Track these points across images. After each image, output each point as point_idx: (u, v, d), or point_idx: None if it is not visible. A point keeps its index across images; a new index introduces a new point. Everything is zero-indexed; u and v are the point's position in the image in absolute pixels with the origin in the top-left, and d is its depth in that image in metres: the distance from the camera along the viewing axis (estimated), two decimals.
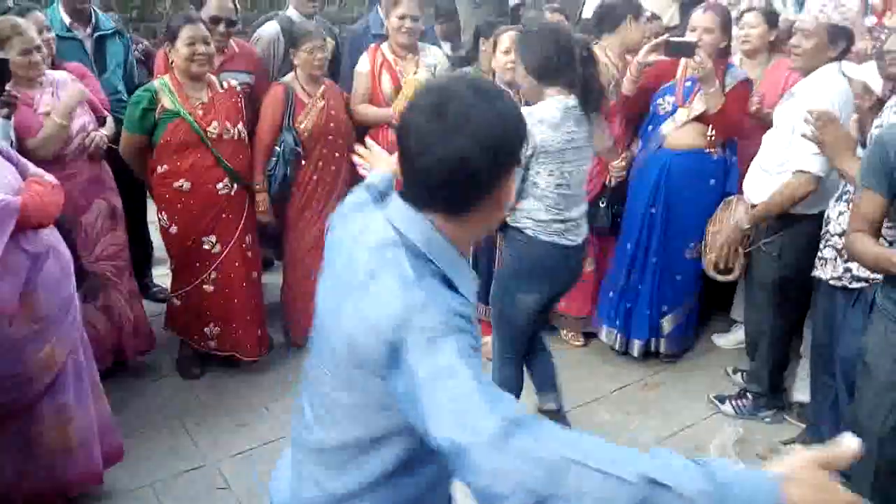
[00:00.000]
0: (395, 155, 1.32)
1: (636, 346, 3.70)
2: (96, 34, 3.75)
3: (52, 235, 2.36)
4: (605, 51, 3.60)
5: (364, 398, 1.22)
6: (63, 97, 3.04)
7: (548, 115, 2.52)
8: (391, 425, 1.21)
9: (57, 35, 3.46)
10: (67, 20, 3.68)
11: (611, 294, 3.72)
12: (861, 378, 2.28)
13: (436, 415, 1.04)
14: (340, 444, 1.28)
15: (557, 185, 2.57)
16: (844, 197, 2.56)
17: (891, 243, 2.26)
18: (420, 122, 1.16)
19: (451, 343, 1.07)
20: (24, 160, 2.40)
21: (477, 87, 1.17)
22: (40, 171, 2.43)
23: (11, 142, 2.72)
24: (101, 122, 3.27)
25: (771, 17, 3.60)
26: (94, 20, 3.76)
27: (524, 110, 2.21)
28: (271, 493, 1.48)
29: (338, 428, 1.28)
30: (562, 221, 2.62)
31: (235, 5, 3.71)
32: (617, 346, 3.73)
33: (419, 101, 1.19)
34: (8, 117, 2.73)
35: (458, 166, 1.13)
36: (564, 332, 3.99)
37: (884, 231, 2.26)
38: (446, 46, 4.68)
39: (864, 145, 2.63)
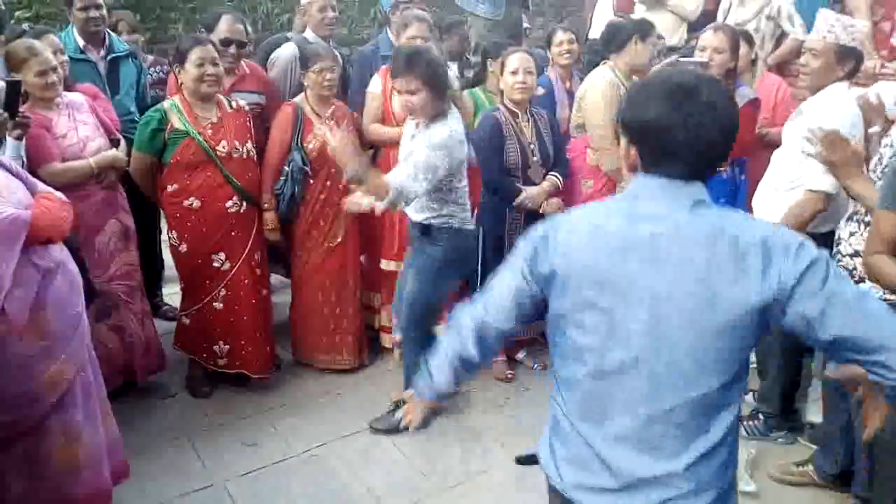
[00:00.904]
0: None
1: None
2: (110, 56, 3.81)
3: (61, 252, 2.38)
4: (614, 70, 3.62)
5: (732, 343, 1.37)
6: (107, 153, 3.22)
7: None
8: (742, 366, 1.42)
9: (71, 57, 3.52)
10: (81, 43, 3.74)
11: None
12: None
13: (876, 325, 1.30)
14: (702, 396, 1.39)
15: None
16: (855, 217, 2.54)
17: None
18: (691, 106, 1.38)
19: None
20: (32, 178, 2.43)
21: (700, 76, 1.46)
22: (49, 188, 2.46)
23: (23, 161, 2.76)
24: (115, 143, 3.31)
25: (748, 37, 3.64)
26: (107, 42, 3.82)
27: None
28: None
29: (702, 381, 1.39)
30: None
31: (246, 28, 3.76)
32: None
33: (664, 89, 1.40)
34: (20, 138, 2.77)
35: (729, 137, 1.43)
36: None
37: None
38: (454, 66, 4.69)
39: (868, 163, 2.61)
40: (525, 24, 5.78)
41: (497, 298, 1.63)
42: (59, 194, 2.45)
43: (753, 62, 3.65)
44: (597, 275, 1.42)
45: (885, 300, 2.41)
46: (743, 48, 3.57)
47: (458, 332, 1.68)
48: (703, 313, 1.36)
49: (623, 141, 1.52)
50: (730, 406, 1.43)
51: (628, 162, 1.52)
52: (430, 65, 2.83)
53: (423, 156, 2.76)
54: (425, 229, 3.04)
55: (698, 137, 1.40)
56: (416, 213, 3.03)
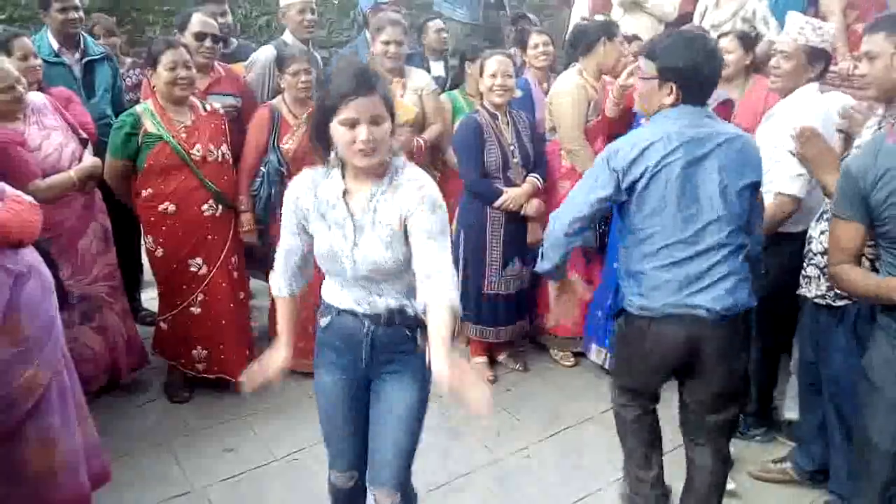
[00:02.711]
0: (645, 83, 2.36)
1: None
2: (85, 59, 3.78)
3: (32, 255, 2.35)
4: (582, 73, 3.64)
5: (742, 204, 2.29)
6: (85, 163, 3.17)
7: None
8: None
9: (45, 60, 3.48)
10: (56, 45, 3.70)
11: (599, 313, 3.72)
12: (867, 396, 2.23)
13: None
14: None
15: None
16: (826, 216, 2.57)
17: (871, 261, 2.27)
18: (707, 51, 2.26)
19: None
20: (1, 183, 2.39)
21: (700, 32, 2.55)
22: (18, 192, 2.43)
23: None
24: (84, 143, 3.27)
25: (747, 41, 3.64)
26: (82, 45, 3.79)
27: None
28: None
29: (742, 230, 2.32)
30: None
31: (218, 22, 3.74)
32: (606, 365, 3.72)
33: (687, 41, 2.28)
34: None
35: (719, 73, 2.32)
36: (554, 351, 3.98)
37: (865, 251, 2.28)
38: (436, 66, 4.71)
39: None
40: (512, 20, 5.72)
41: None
42: (28, 198, 2.42)
43: (752, 67, 3.63)
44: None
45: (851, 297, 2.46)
46: (738, 52, 3.56)
47: None
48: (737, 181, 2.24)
49: (653, 84, 2.29)
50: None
51: (660, 100, 2.29)
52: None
53: (439, 223, 1.91)
54: (391, 317, 2.05)
55: (714, 72, 2.27)
56: (382, 300, 2.05)
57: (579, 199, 2.35)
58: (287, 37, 4.12)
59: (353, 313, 2.05)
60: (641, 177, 2.23)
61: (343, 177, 1.95)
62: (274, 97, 3.81)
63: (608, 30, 3.65)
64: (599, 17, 4.46)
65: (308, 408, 3.49)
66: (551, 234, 2.40)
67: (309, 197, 1.98)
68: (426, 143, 3.79)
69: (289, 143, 3.47)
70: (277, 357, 2.16)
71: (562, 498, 2.91)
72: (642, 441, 2.62)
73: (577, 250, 3.74)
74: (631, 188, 2.26)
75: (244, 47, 4.47)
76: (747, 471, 3.03)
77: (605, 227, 3.68)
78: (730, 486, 2.93)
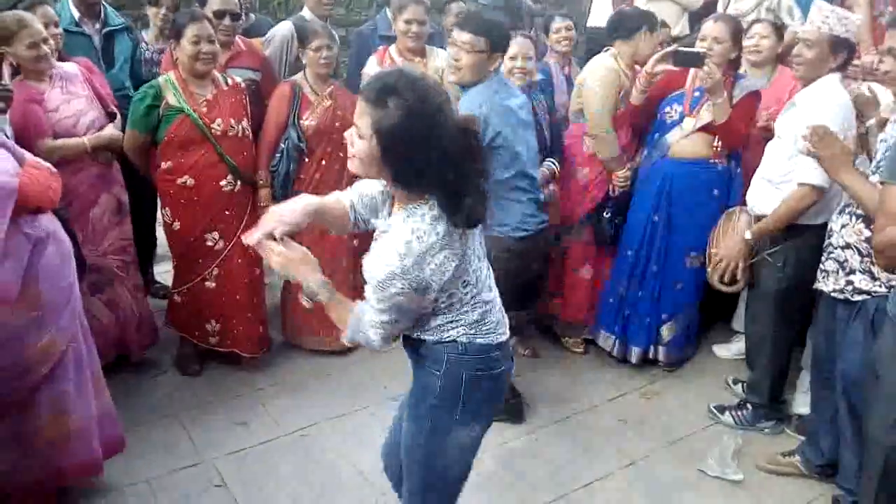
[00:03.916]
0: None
1: (634, 353, 3.69)
2: (105, 30, 3.77)
3: (52, 222, 2.37)
4: (616, 58, 3.59)
5: None
6: (103, 133, 3.17)
7: None
8: None
9: (65, 30, 3.48)
10: (77, 15, 3.70)
11: (611, 300, 3.72)
12: (871, 389, 2.26)
13: None
14: None
15: None
16: (847, 209, 2.55)
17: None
18: None
19: None
20: (20, 149, 2.40)
21: None
22: (37, 158, 2.44)
23: (6, 134, 2.73)
24: (112, 117, 3.28)
25: (779, 29, 3.60)
26: (103, 15, 3.78)
27: None
28: None
29: None
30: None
31: (240, 0, 3.73)
32: (615, 353, 3.72)
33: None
34: (3, 111, 2.73)
35: None
36: (565, 338, 3.98)
37: None
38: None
39: (870, 158, 2.62)
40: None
41: None
42: (47, 164, 2.43)
43: (780, 56, 3.62)
44: None
45: (870, 292, 2.44)
46: (772, 38, 3.57)
47: None
48: None
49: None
50: None
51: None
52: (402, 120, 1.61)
53: (372, 302, 1.74)
54: (414, 346, 1.92)
55: None
56: None
57: None
58: (306, 13, 4.10)
59: None
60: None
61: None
62: (291, 73, 3.80)
63: (651, 21, 3.58)
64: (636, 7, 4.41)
65: (317, 386, 3.53)
66: None
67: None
68: None
69: (309, 120, 3.45)
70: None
71: (569, 483, 2.92)
72: None
73: (588, 241, 3.75)
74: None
75: (262, 22, 4.45)
76: (756, 463, 3.03)
77: (622, 218, 3.66)
78: (737, 476, 2.94)
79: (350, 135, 1.71)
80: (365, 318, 1.77)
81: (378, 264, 1.67)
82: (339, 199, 2.00)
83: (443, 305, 1.78)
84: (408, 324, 1.80)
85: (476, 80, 2.89)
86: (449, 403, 1.88)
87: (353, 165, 1.73)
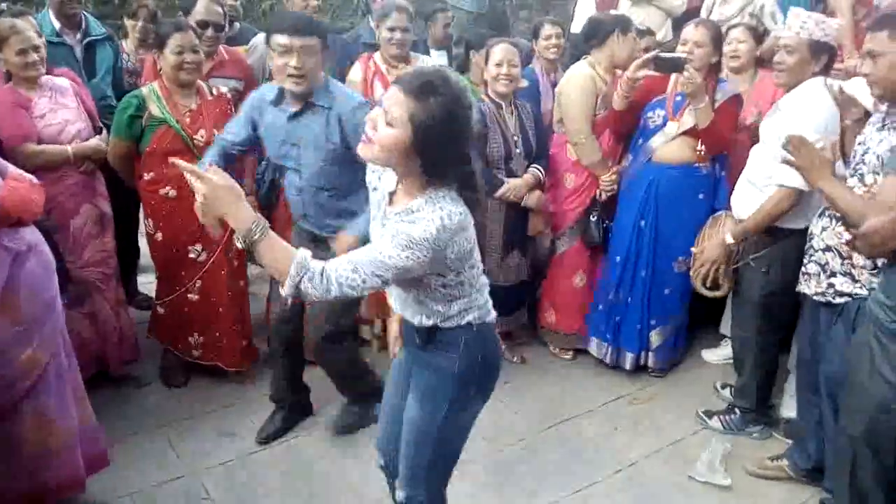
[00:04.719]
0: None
1: (628, 359, 3.68)
2: (86, 40, 3.74)
3: (33, 234, 2.34)
4: (594, 66, 3.61)
5: None
6: (88, 142, 3.16)
7: None
8: None
9: (47, 40, 3.44)
10: (57, 25, 3.66)
11: (600, 307, 3.71)
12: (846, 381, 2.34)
13: None
14: None
15: None
16: (827, 212, 2.56)
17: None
18: None
19: None
20: (2, 161, 2.38)
21: None
22: (19, 170, 2.41)
23: None
24: (98, 131, 3.26)
25: (756, 33, 3.63)
26: (84, 25, 3.75)
27: None
28: None
29: None
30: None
31: (224, 10, 3.71)
32: (608, 360, 3.71)
33: None
34: None
35: None
36: (552, 346, 3.97)
37: None
38: (438, 55, 4.68)
39: (845, 162, 2.62)
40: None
41: None
42: (30, 176, 2.40)
43: (759, 61, 3.65)
44: None
45: (851, 294, 2.46)
46: (749, 42, 3.60)
47: None
48: None
49: None
50: None
51: None
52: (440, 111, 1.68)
53: (387, 251, 1.71)
54: (429, 335, 1.99)
55: None
56: (410, 316, 1.99)
57: None
58: None
59: None
60: None
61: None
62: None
63: (623, 23, 3.61)
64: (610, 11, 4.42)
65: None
66: None
67: (377, 176, 1.97)
68: None
69: None
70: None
71: (559, 489, 2.91)
72: None
73: (581, 248, 3.75)
74: None
75: (246, 30, 4.43)
76: (744, 467, 3.03)
77: (609, 221, 3.66)
78: (725, 481, 2.94)
79: (374, 119, 1.72)
80: (342, 268, 1.71)
81: (416, 228, 1.69)
82: None
83: (452, 286, 1.86)
84: (382, 287, 1.79)
85: None
86: (466, 383, 2.00)
87: (368, 150, 1.74)
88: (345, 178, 2.72)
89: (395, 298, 2.02)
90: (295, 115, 2.73)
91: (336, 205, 2.82)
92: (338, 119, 2.69)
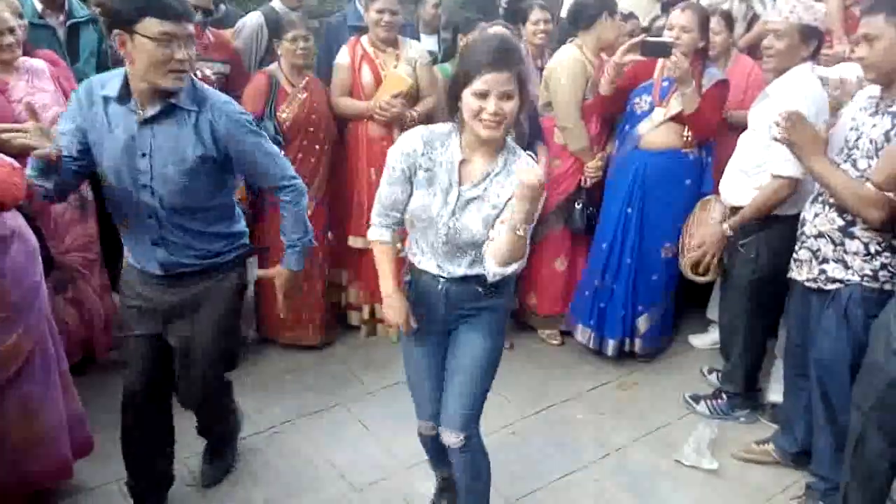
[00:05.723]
0: None
1: (610, 346, 3.68)
2: (69, 22, 3.67)
3: (15, 219, 2.30)
4: (582, 49, 3.59)
5: None
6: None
7: None
8: None
9: (29, 22, 3.38)
10: (40, 7, 3.59)
11: (586, 293, 3.71)
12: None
13: None
14: None
15: None
16: (820, 198, 2.56)
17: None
18: None
19: None
20: None
21: None
22: (1, 155, 2.37)
23: None
24: None
25: (729, 20, 3.66)
26: (67, 7, 3.69)
27: None
28: None
29: None
30: None
31: None
32: (591, 345, 3.72)
33: None
34: None
35: None
36: (541, 331, 3.97)
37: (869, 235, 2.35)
38: (428, 40, 4.64)
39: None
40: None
41: None
42: (10, 160, 2.36)
43: (752, 48, 3.66)
44: None
45: (842, 280, 2.48)
46: (724, 33, 3.59)
47: None
48: None
49: None
50: None
51: None
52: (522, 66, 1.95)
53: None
54: (495, 283, 2.10)
55: None
56: (477, 271, 2.10)
57: None
58: (276, 3, 4.05)
59: (430, 273, 2.15)
60: None
61: (461, 145, 2.00)
62: (261, 64, 3.74)
63: (609, 5, 3.59)
64: None
65: (292, 382, 3.50)
66: None
67: (424, 152, 2.02)
68: (419, 116, 3.73)
69: (286, 113, 3.42)
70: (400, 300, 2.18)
71: (546, 475, 2.92)
72: None
73: (563, 233, 3.75)
74: None
75: (231, 13, 4.38)
76: (731, 452, 3.05)
77: (593, 209, 3.66)
78: (712, 465, 2.96)
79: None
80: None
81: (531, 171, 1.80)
82: (388, 245, 2.22)
83: None
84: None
85: None
86: (507, 314, 2.33)
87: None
88: (213, 196, 2.32)
89: (460, 265, 2.10)
90: (151, 119, 2.16)
91: (206, 229, 2.36)
92: (209, 123, 2.19)
